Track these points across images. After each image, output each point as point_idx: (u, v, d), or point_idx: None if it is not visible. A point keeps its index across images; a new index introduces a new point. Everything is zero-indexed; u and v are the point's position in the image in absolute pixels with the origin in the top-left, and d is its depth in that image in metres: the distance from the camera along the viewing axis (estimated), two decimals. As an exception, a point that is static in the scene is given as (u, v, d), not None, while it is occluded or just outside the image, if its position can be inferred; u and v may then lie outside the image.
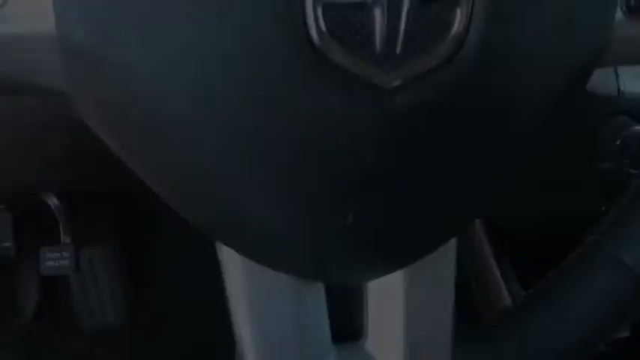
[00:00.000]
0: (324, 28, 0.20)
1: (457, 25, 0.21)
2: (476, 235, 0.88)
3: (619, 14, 0.27)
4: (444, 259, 0.30)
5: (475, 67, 0.22)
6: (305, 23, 0.20)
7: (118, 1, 0.19)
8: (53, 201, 0.82)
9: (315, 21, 0.20)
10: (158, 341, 1.00)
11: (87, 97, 0.22)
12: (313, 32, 0.20)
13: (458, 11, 0.21)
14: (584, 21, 0.25)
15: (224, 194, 0.23)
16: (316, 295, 0.29)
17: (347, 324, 0.31)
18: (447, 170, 0.25)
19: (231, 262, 0.28)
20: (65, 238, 0.85)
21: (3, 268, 0.92)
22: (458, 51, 0.22)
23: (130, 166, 0.24)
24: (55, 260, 0.84)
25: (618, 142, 0.55)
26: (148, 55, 0.20)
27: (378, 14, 0.20)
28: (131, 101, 0.21)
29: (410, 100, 0.22)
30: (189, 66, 0.20)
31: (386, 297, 0.30)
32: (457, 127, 0.23)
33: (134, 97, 0.21)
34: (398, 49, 0.21)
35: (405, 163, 0.23)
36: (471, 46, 0.22)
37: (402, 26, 0.21)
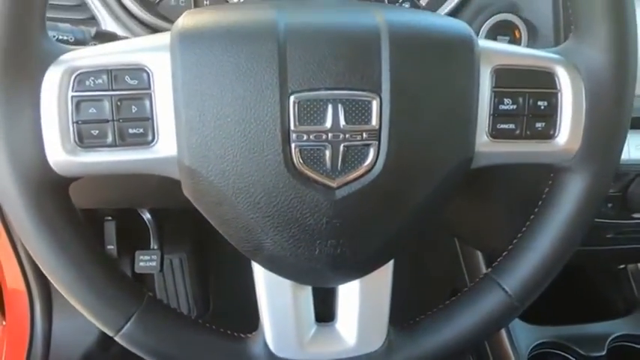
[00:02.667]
0: (300, 160, 0.41)
1: (371, 156, 0.42)
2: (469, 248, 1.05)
3: (485, 137, 0.46)
4: (384, 269, 0.50)
5: (382, 174, 0.42)
6: (291, 158, 0.41)
7: (212, 147, 0.41)
8: (146, 215, 1.07)
9: (296, 157, 0.41)
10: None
11: (190, 188, 0.45)
12: (295, 162, 0.41)
13: (371, 149, 0.42)
14: (453, 143, 0.44)
15: (254, 238, 0.44)
16: (305, 291, 0.50)
17: (324, 310, 0.52)
18: (374, 225, 0.45)
19: (258, 270, 0.49)
20: (154, 244, 1.10)
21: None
22: (372, 168, 0.42)
23: (206, 217, 0.46)
24: (145, 261, 1.09)
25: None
26: (227, 179, 0.42)
27: (327, 152, 0.41)
28: (213, 197, 0.43)
29: (346, 192, 0.43)
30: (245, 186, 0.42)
31: (350, 293, 0.51)
32: (375, 204, 0.43)
33: (216, 196, 0.42)
34: (339, 168, 0.42)
35: (347, 223, 0.44)
36: (379, 165, 0.42)
37: (340, 157, 0.42)
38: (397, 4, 0.79)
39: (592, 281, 1.08)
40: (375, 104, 0.41)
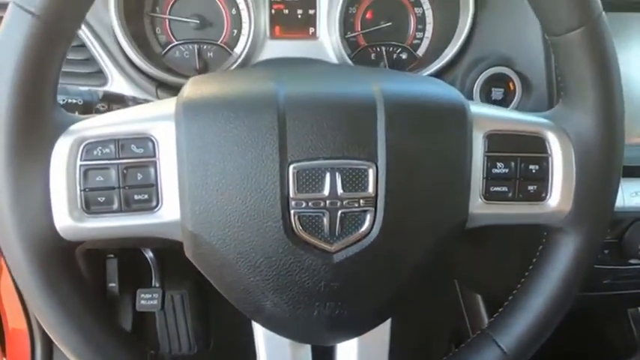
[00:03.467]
0: (299, 226, 0.43)
1: (368, 221, 0.43)
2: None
3: (479, 200, 0.48)
4: (382, 325, 0.50)
5: (378, 239, 0.44)
6: (291, 225, 0.43)
7: (214, 214, 0.43)
8: (149, 254, 1.08)
9: (295, 223, 0.42)
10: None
11: (192, 251, 0.46)
12: (295, 228, 0.43)
13: (367, 215, 0.43)
14: (447, 206, 0.46)
15: (254, 300, 0.46)
16: (304, 349, 0.51)
17: None
18: (371, 287, 0.46)
19: (258, 328, 0.50)
20: (156, 282, 1.10)
21: (108, 302, 1.17)
22: (369, 233, 0.44)
23: (208, 278, 0.47)
24: (147, 300, 1.09)
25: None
26: (228, 244, 0.43)
27: (325, 219, 0.43)
28: (215, 260, 0.44)
29: (343, 256, 0.44)
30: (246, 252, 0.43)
31: (348, 350, 0.51)
32: (372, 267, 0.45)
33: (217, 260, 0.43)
34: (336, 234, 0.43)
35: (345, 286, 0.45)
36: (376, 230, 0.44)
37: (338, 223, 0.43)
38: (395, 55, 0.82)
39: (592, 324, 1.08)
40: (371, 172, 0.43)
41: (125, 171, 0.43)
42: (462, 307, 1.08)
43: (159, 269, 1.11)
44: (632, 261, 0.79)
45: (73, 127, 0.43)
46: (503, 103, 0.73)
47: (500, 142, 0.47)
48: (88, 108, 0.52)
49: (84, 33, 0.69)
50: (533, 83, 0.72)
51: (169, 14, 0.76)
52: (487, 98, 0.73)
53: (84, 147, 0.43)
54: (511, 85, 0.73)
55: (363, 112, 0.44)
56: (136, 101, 0.56)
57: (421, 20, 0.81)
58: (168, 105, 0.45)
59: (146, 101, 0.57)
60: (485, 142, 0.47)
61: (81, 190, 0.43)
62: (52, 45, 0.40)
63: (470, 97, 0.73)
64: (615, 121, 0.47)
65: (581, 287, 0.53)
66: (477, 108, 0.48)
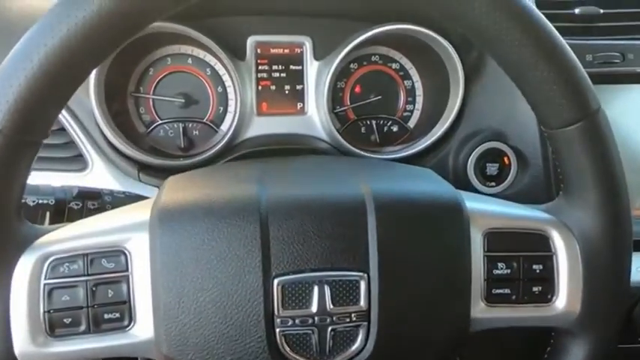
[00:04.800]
0: (285, 346, 0.39)
1: (361, 337, 0.40)
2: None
3: (481, 303, 0.44)
4: None
5: (373, 356, 0.40)
6: (276, 344, 0.39)
7: (191, 335, 0.39)
8: None
9: (282, 343, 0.39)
10: None
11: None
12: (281, 348, 0.39)
13: (360, 331, 0.40)
14: (447, 314, 0.42)
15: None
16: None
17: None
18: None
19: None
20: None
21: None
22: (362, 350, 0.40)
23: None
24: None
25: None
26: None
27: (314, 337, 0.39)
28: None
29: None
30: None
31: None
32: None
33: None
34: (327, 353, 0.39)
35: None
36: (370, 346, 0.40)
37: (328, 341, 0.39)
38: (385, 128, 0.80)
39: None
40: (363, 284, 0.40)
41: (94, 288, 0.39)
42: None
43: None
44: (643, 339, 0.74)
45: (38, 242, 0.40)
46: (499, 178, 0.71)
47: (500, 241, 0.44)
48: (61, 207, 0.49)
49: (63, 116, 0.67)
50: (529, 158, 0.70)
51: (153, 94, 0.74)
52: (482, 174, 0.71)
53: (49, 264, 0.39)
54: (506, 159, 0.71)
55: (351, 216, 0.41)
56: (114, 196, 0.53)
57: (411, 93, 0.80)
58: (143, 212, 0.42)
59: (125, 196, 0.54)
60: (484, 241, 0.44)
61: (45, 312, 0.39)
62: (16, 159, 0.37)
63: (464, 172, 0.71)
64: (621, 218, 0.44)
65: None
66: (473, 203, 0.45)
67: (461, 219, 0.43)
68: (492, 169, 0.71)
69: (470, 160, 0.70)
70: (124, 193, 0.54)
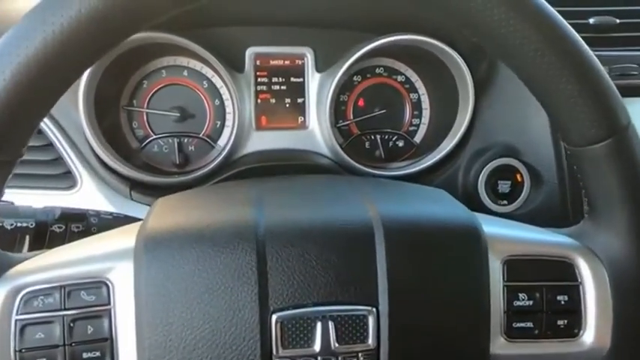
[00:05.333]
0: None
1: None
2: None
3: (500, 338, 0.40)
4: None
5: None
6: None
7: None
8: None
9: None
10: None
11: None
12: None
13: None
14: (464, 351, 0.38)
15: None
16: None
17: None
18: None
19: None
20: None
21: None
22: None
23: None
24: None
25: None
26: None
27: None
28: None
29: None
30: None
31: None
32: None
33: None
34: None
35: None
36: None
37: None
38: (390, 143, 0.77)
39: None
40: (371, 319, 0.35)
41: (72, 324, 0.35)
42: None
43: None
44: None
45: (10, 272, 0.36)
46: (511, 196, 0.67)
47: (520, 269, 0.40)
48: (42, 231, 0.45)
49: (51, 131, 0.63)
50: (543, 175, 0.66)
51: (147, 107, 0.71)
52: (493, 191, 0.67)
53: (22, 297, 0.35)
54: (519, 176, 0.67)
55: (358, 243, 0.37)
56: (100, 218, 0.49)
57: (417, 106, 0.76)
58: (128, 238, 0.38)
59: (113, 217, 0.50)
60: (503, 270, 0.40)
61: (16, 351, 0.35)
62: None
63: (474, 190, 0.67)
64: None
65: None
66: (491, 227, 0.41)
67: (478, 245, 0.39)
68: (504, 186, 0.67)
69: (481, 177, 0.67)
70: (111, 214, 0.50)
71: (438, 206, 0.42)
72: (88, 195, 0.64)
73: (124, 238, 0.38)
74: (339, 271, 0.36)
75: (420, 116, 0.76)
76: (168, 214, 0.39)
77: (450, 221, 0.40)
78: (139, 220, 0.41)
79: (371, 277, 0.36)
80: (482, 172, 0.66)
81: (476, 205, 0.67)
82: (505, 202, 0.67)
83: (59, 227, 0.46)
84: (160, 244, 0.36)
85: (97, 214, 0.49)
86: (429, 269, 0.38)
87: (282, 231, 0.37)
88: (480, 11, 0.34)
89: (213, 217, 0.38)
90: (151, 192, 0.65)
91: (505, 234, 0.42)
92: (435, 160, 0.69)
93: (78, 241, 0.39)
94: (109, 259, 0.37)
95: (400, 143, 0.76)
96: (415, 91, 0.76)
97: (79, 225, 0.47)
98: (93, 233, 0.48)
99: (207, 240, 0.36)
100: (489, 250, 0.40)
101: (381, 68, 0.75)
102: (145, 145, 0.71)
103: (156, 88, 0.71)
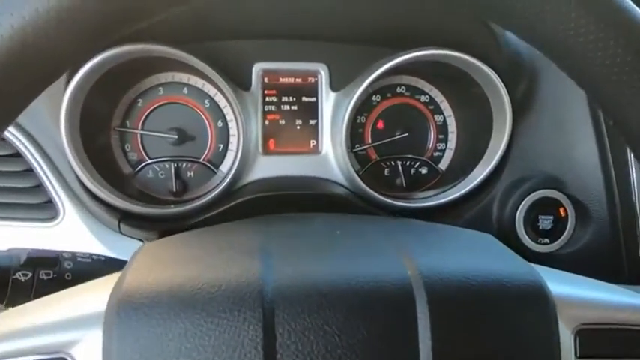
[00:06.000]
0: None
1: None
2: None
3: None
4: None
5: None
6: None
7: None
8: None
9: None
10: None
11: None
12: None
13: None
14: None
15: None
16: None
17: None
18: None
19: None
20: None
21: None
22: None
23: None
24: None
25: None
26: None
27: None
28: None
29: None
30: None
31: None
32: None
33: None
34: None
35: None
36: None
37: None
38: (413, 170, 0.69)
39: None
40: None
41: None
42: None
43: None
44: None
45: None
46: (553, 234, 0.59)
47: (597, 341, 0.32)
48: (4, 279, 0.37)
49: (31, 154, 0.56)
50: (590, 210, 0.58)
51: (142, 128, 0.63)
52: (533, 228, 0.59)
53: None
54: (562, 211, 0.59)
55: (394, 311, 0.29)
56: (77, 262, 0.41)
57: (442, 129, 0.68)
58: (99, 297, 0.30)
59: (92, 260, 0.42)
60: (575, 342, 0.32)
61: None
62: None
63: (511, 226, 0.59)
64: None
65: None
66: (557, 285, 0.33)
67: (546, 311, 0.31)
68: (546, 222, 0.59)
69: (519, 211, 0.58)
70: (90, 255, 0.42)
71: (490, 258, 0.34)
72: (71, 228, 0.56)
73: (95, 297, 0.30)
74: (369, 349, 0.28)
75: (445, 140, 0.69)
76: (151, 266, 0.31)
77: (509, 279, 0.31)
78: (125, 262, 0.33)
79: (411, 353, 0.28)
80: (521, 206, 0.58)
81: (512, 244, 0.59)
82: (546, 240, 0.59)
83: (24, 274, 0.38)
84: (138, 310, 0.28)
85: (73, 256, 0.41)
86: (483, 342, 0.29)
87: (295, 294, 0.28)
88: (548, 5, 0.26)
89: (208, 274, 0.30)
90: (143, 224, 0.58)
91: (576, 295, 0.33)
92: (465, 190, 0.61)
93: (37, 301, 0.31)
94: (74, 327, 0.29)
95: (423, 170, 0.68)
96: (440, 112, 0.68)
97: (49, 271, 0.39)
98: (66, 281, 0.40)
99: (199, 305, 0.28)
100: (558, 315, 0.31)
101: (403, 87, 0.68)
102: (139, 170, 0.63)
103: (152, 108, 0.63)
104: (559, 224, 0.59)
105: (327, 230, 0.38)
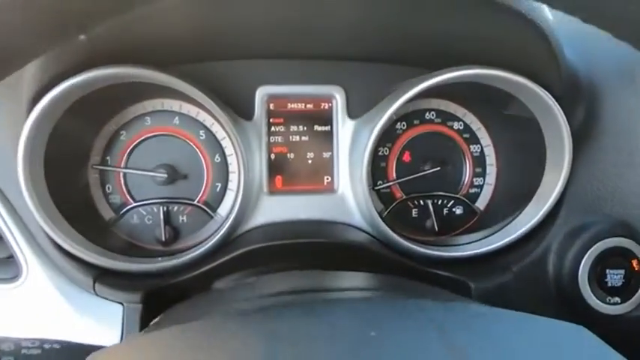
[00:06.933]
0: None
1: None
2: None
3: None
4: None
5: None
6: None
7: None
8: None
9: None
10: None
11: None
12: None
13: None
14: None
15: None
16: None
17: None
18: None
19: None
20: None
21: None
22: None
23: None
24: None
25: None
26: None
27: None
28: None
29: None
30: None
31: None
32: None
33: None
34: None
35: None
36: None
37: None
38: (446, 210, 0.59)
39: None
40: None
41: None
42: None
43: None
44: None
45: None
46: (624, 291, 0.48)
47: None
48: None
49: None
50: (672, 262, 0.47)
51: (126, 166, 0.54)
52: (600, 284, 0.48)
53: None
54: (635, 263, 0.48)
55: None
56: (43, 351, 0.31)
57: (480, 161, 0.58)
58: None
59: (43, 351, 0.32)
60: None
61: None
62: None
63: (573, 282, 0.48)
64: None
65: None
66: None
67: None
68: (615, 277, 0.48)
69: (582, 264, 0.48)
70: (41, 346, 0.32)
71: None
72: (36, 289, 0.47)
73: None
74: None
75: (483, 175, 0.58)
76: None
77: None
78: (94, 348, 0.23)
79: None
80: (585, 258, 0.48)
81: (575, 304, 0.48)
82: (617, 299, 0.48)
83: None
84: None
85: (41, 344, 0.30)
86: None
87: None
88: None
89: None
90: (124, 283, 0.48)
91: None
92: (513, 237, 0.51)
93: None
94: None
95: (458, 210, 0.58)
96: (477, 141, 0.58)
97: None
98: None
99: None
100: None
101: (433, 112, 0.58)
102: (122, 215, 0.54)
103: (137, 141, 0.54)
104: (632, 279, 0.48)
105: (356, 329, 0.27)
